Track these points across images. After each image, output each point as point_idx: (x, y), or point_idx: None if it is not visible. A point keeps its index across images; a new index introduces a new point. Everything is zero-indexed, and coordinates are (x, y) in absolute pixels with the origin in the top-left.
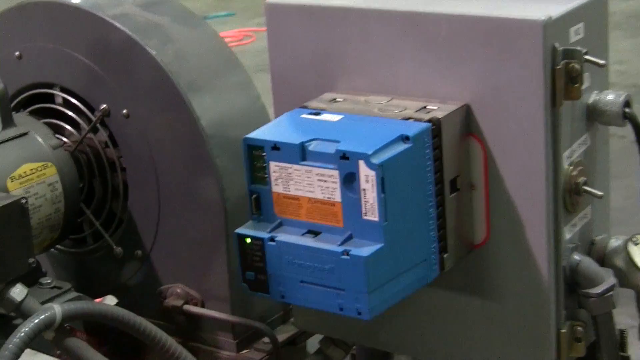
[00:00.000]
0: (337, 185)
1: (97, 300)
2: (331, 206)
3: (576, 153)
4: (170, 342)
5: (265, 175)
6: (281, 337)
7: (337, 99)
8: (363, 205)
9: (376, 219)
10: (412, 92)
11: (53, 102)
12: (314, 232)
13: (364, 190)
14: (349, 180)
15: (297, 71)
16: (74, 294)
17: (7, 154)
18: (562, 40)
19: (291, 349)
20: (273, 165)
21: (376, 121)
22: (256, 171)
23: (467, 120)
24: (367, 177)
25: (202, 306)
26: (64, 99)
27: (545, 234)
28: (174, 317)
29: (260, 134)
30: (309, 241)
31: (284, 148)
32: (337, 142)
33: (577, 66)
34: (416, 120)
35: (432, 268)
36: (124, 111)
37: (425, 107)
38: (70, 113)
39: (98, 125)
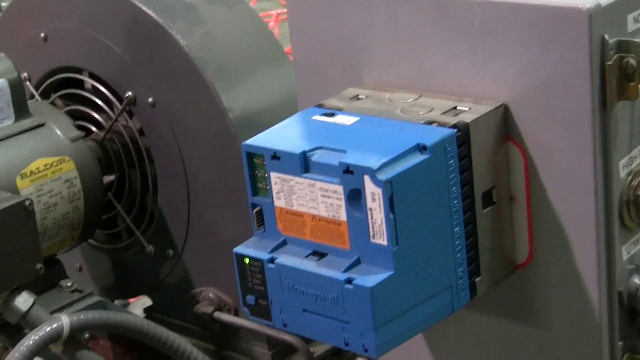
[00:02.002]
0: (342, 202)
1: (132, 300)
2: (337, 225)
3: (637, 160)
4: (196, 354)
5: (267, 187)
6: (323, 347)
7: (360, 96)
8: (370, 227)
9: (385, 242)
10: (444, 89)
11: (82, 87)
12: (320, 254)
13: (370, 209)
14: (355, 197)
15: (322, 63)
16: (94, 299)
17: (18, 148)
18: (617, 31)
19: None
20: (274, 177)
21: (394, 125)
22: (258, 182)
23: (504, 123)
24: (373, 195)
25: (236, 313)
26: (93, 85)
27: (596, 253)
28: (207, 323)
29: (260, 140)
30: (310, 265)
31: (285, 157)
32: (344, 152)
33: (632, 61)
34: (440, 124)
35: (459, 295)
36: (150, 99)
37: (455, 108)
38: (97, 100)
39: (125, 114)
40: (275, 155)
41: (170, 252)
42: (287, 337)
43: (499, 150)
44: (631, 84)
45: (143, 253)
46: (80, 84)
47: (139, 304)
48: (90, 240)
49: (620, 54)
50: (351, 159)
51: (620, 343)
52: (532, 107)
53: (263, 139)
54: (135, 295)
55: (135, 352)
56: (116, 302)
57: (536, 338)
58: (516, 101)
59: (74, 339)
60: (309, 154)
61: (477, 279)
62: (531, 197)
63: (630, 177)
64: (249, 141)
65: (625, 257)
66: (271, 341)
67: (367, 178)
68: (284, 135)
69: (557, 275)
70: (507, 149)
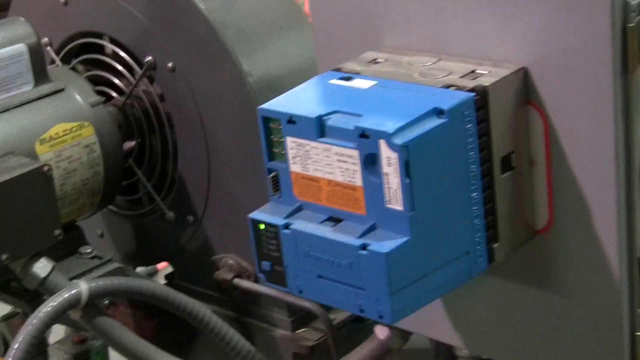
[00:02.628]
0: (358, 167)
1: (160, 267)
2: (352, 191)
3: None
4: (215, 321)
5: (284, 152)
6: (344, 314)
7: (378, 60)
8: (386, 192)
9: (401, 208)
10: (464, 52)
11: (103, 52)
12: (336, 220)
13: (386, 174)
14: (371, 162)
15: (341, 26)
16: (114, 266)
17: (37, 114)
18: None
19: (358, 326)
20: (290, 141)
21: (412, 89)
22: (274, 146)
23: (524, 87)
24: (389, 160)
25: (256, 280)
26: (113, 50)
27: (616, 219)
28: (227, 289)
29: (276, 104)
30: (326, 231)
31: (300, 122)
32: (360, 116)
33: None
34: (458, 88)
35: (477, 261)
36: (170, 64)
37: (474, 72)
38: (118, 66)
39: (145, 79)
40: (291, 120)
41: (191, 218)
42: (306, 304)
43: (519, 114)
44: None
45: (164, 219)
46: (101, 49)
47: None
48: (111, 207)
49: None
50: (367, 123)
51: (639, 312)
52: (553, 70)
53: (279, 103)
54: (157, 261)
55: (155, 319)
56: (142, 269)
57: (556, 305)
58: (536, 64)
59: (92, 305)
60: (324, 118)
61: (495, 245)
62: (551, 161)
63: None
64: (265, 105)
65: None
66: (291, 308)
67: (382, 142)
68: (300, 100)
69: (577, 241)
70: (527, 113)
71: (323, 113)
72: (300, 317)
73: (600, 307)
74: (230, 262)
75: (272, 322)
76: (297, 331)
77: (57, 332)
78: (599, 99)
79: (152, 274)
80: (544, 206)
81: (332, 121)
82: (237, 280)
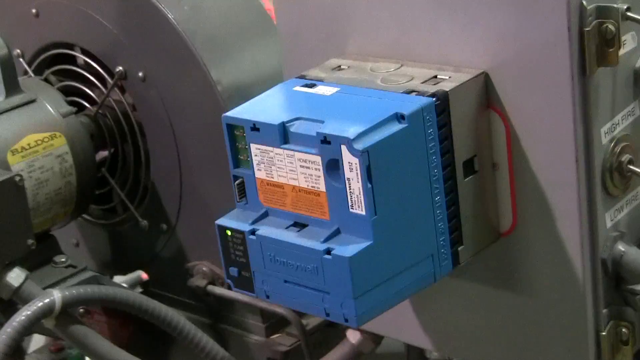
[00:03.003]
0: (321, 173)
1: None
2: (316, 196)
3: (619, 127)
4: (189, 327)
5: (249, 158)
6: (317, 320)
7: (342, 66)
8: (349, 197)
9: (363, 212)
10: (427, 58)
11: (75, 63)
12: (301, 225)
13: (348, 179)
14: (333, 167)
15: (307, 33)
16: (88, 274)
17: (9, 125)
18: None
19: (332, 330)
20: (254, 148)
21: (374, 95)
22: (239, 153)
23: (485, 91)
24: (350, 165)
25: (229, 287)
26: (85, 61)
27: (578, 220)
28: (201, 296)
29: (240, 111)
30: (291, 236)
31: (264, 129)
32: (322, 122)
33: (612, 27)
34: (419, 93)
35: (441, 264)
36: (140, 74)
37: (435, 77)
38: (89, 76)
39: (116, 89)
40: (255, 127)
41: (164, 226)
42: (279, 310)
43: (481, 118)
44: (610, 50)
45: (137, 227)
46: (73, 60)
47: None
48: (86, 216)
49: (600, 20)
50: (329, 129)
51: (605, 310)
52: (513, 74)
53: (243, 111)
54: (131, 270)
55: (130, 326)
56: (124, 278)
57: (522, 306)
58: (496, 69)
59: (67, 314)
60: (288, 124)
61: (460, 248)
62: (514, 164)
63: (612, 144)
64: (229, 113)
65: (609, 224)
66: (264, 314)
67: (344, 148)
68: (264, 107)
69: (541, 242)
70: (489, 117)
71: (286, 120)
72: (274, 323)
73: (565, 308)
74: (204, 269)
75: (246, 328)
76: (271, 337)
77: (37, 341)
78: (558, 102)
79: (135, 284)
80: (507, 209)
81: (295, 127)
82: (210, 287)
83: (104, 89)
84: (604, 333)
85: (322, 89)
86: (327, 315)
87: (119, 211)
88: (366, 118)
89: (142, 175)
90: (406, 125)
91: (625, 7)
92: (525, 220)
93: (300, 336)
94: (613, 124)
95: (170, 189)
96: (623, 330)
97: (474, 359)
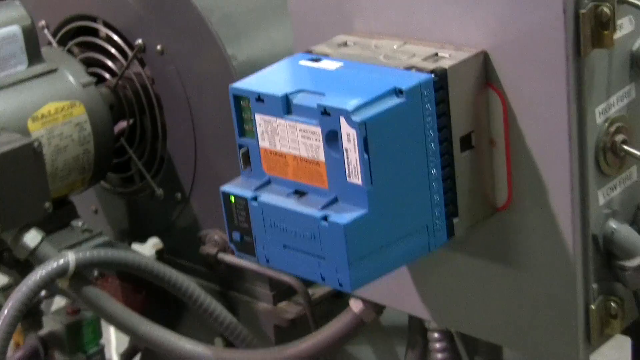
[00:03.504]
0: (321, 143)
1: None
2: (316, 165)
3: (614, 107)
4: (199, 293)
5: (253, 128)
6: (323, 289)
7: (348, 43)
8: (346, 167)
9: (360, 182)
10: (429, 36)
11: (97, 35)
12: (301, 193)
13: (346, 150)
14: (332, 138)
15: (316, 10)
16: (103, 239)
17: (30, 93)
18: None
19: (337, 301)
20: (258, 118)
21: (376, 71)
22: (245, 123)
23: (484, 70)
24: (348, 136)
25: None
26: (107, 34)
27: (570, 197)
28: (212, 264)
29: (247, 83)
30: (290, 203)
31: (268, 100)
32: (323, 95)
33: (607, 10)
34: (419, 70)
35: (436, 235)
36: (158, 47)
37: (436, 55)
38: (110, 48)
39: (136, 62)
40: (260, 98)
41: (179, 195)
42: (287, 279)
43: (479, 96)
44: (605, 32)
45: (153, 196)
46: (95, 32)
47: None
48: (105, 184)
49: (595, 3)
50: (329, 101)
51: (595, 285)
52: (511, 54)
53: (249, 82)
54: (146, 237)
55: (143, 291)
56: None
57: (515, 279)
58: (496, 48)
59: (80, 276)
60: (291, 96)
61: (455, 220)
62: (510, 142)
63: (607, 124)
64: (236, 84)
65: (601, 201)
66: (272, 282)
67: (342, 119)
68: (269, 79)
69: (534, 218)
70: (487, 95)
71: (289, 92)
72: (282, 291)
73: (557, 281)
74: (215, 237)
75: (254, 295)
76: (278, 304)
77: (59, 303)
78: (553, 82)
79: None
80: (503, 184)
81: (298, 99)
82: (221, 255)
83: (124, 62)
84: (593, 307)
85: (326, 64)
86: (323, 279)
87: (136, 180)
88: (365, 92)
89: (159, 146)
90: (404, 99)
91: None
92: (520, 196)
93: (305, 304)
94: (608, 105)
95: (185, 160)
96: (612, 304)
97: (468, 330)
